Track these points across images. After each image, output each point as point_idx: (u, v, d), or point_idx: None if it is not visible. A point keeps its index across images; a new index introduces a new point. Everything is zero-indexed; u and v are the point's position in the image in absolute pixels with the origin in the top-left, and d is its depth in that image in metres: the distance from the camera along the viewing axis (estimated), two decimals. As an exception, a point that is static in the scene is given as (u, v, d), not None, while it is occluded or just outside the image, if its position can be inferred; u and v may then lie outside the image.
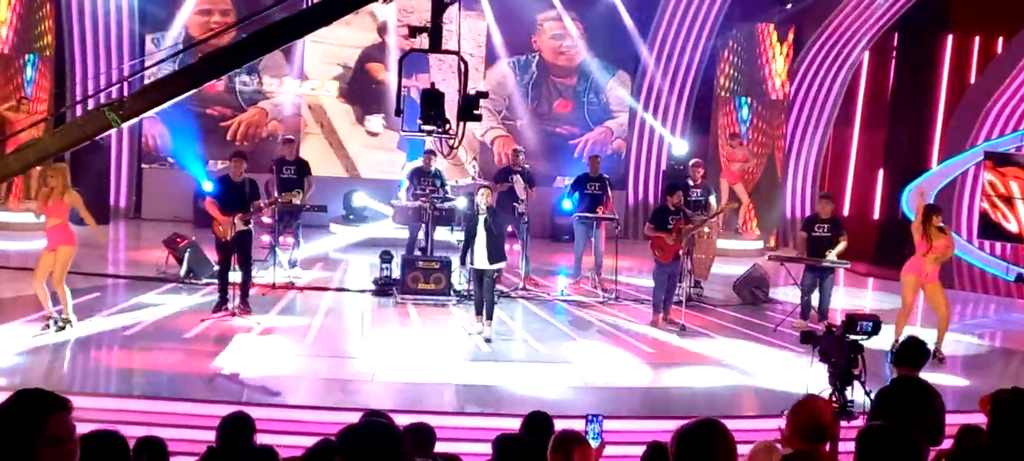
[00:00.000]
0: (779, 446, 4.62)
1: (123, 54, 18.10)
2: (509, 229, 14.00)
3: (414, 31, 8.71)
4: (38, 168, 11.18)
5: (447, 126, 8.59)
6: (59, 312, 10.04)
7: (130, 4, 18.09)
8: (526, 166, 14.93)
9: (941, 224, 11.05)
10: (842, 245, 11.99)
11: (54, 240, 9.96)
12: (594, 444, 4.87)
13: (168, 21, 18.23)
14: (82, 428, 4.09)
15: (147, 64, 15.31)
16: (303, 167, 14.18)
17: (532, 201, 14.33)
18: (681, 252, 11.91)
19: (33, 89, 17.08)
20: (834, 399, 6.56)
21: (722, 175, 19.00)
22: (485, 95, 11.46)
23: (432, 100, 8.49)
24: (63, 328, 9.95)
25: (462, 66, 8.53)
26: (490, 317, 10.94)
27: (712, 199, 14.48)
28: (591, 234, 14.08)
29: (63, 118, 17.67)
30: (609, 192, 14.15)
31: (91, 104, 10.46)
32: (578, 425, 5.06)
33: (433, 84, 8.73)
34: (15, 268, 12.88)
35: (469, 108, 8.72)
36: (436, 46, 8.44)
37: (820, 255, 12.04)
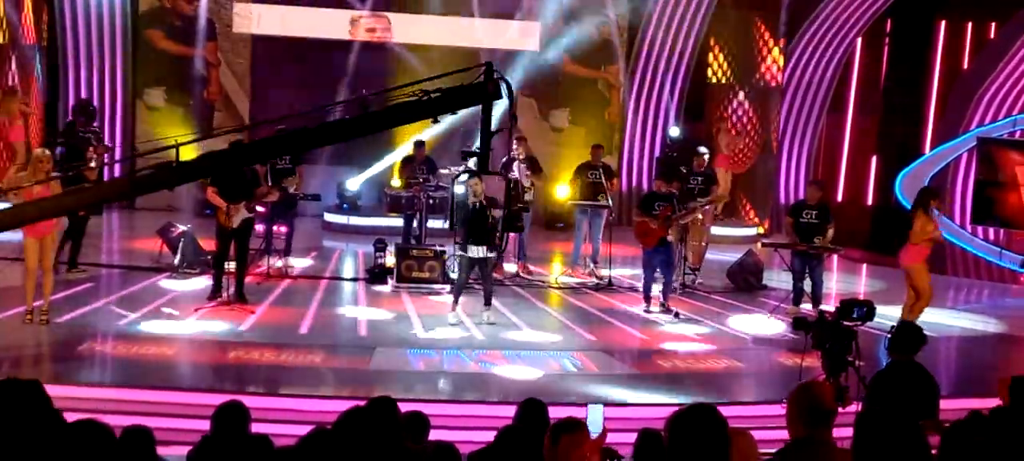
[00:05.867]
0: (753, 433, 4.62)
1: (115, 48, 18.04)
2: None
3: (466, 155, 10.03)
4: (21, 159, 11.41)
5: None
6: (40, 306, 9.96)
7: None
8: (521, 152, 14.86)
9: (936, 209, 11.06)
10: (829, 233, 11.96)
11: (44, 226, 9.84)
12: (595, 432, 4.88)
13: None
14: (72, 417, 4.11)
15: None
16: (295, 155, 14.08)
17: (539, 189, 14.28)
18: (668, 238, 11.83)
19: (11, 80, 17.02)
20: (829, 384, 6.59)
21: (715, 161, 18.98)
22: (527, 209, 12.97)
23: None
24: (46, 323, 9.90)
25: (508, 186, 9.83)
26: (488, 303, 11.07)
27: (715, 187, 14.43)
28: (590, 221, 14.10)
29: (56, 111, 17.70)
30: (607, 181, 14.11)
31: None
32: (572, 411, 5.08)
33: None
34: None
35: (512, 221, 10.62)
36: (483, 168, 9.10)
37: (807, 242, 12.02)
